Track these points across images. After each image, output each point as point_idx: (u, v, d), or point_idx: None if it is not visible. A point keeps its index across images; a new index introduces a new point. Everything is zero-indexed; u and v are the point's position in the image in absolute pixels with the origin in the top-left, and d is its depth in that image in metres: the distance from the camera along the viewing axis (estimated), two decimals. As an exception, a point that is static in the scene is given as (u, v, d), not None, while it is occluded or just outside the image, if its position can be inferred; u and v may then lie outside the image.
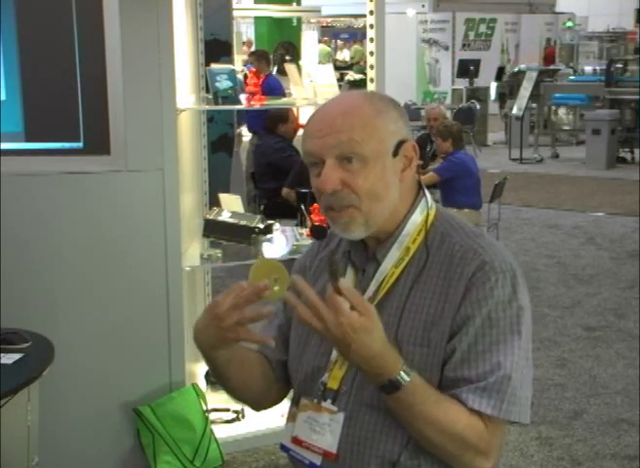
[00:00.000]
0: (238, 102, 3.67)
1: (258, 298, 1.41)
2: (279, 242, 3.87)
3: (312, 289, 1.39)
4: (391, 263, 1.53)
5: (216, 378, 1.62)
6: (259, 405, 1.71)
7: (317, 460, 1.51)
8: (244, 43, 18.09)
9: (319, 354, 1.57)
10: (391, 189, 1.51)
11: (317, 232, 1.85)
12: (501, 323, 1.46)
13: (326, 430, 1.51)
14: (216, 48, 6.31)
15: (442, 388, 1.46)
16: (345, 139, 1.46)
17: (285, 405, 1.70)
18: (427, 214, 1.55)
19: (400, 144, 1.51)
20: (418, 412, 1.42)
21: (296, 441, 1.54)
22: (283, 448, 1.57)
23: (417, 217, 1.55)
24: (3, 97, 3.16)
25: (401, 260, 1.53)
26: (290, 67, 4.15)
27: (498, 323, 1.46)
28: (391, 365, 1.40)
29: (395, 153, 1.50)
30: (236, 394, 1.66)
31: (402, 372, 1.40)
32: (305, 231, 3.90)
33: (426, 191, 1.59)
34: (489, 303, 1.46)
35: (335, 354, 1.53)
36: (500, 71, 15.04)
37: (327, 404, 1.52)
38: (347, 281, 1.56)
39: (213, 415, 3.60)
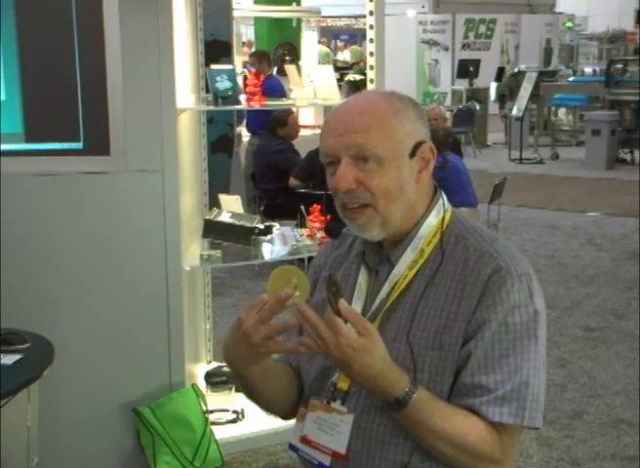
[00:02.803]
0: (238, 103, 3.67)
1: (282, 308, 1.40)
2: (279, 242, 3.87)
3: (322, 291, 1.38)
4: (405, 266, 1.52)
5: (249, 397, 1.61)
6: (291, 414, 1.66)
7: (326, 460, 1.51)
8: (244, 44, 18.08)
9: None
10: (407, 190, 1.49)
11: (332, 231, 1.85)
12: (518, 327, 1.45)
13: (335, 430, 1.50)
14: (216, 48, 6.31)
15: (457, 394, 1.45)
16: (361, 140, 1.45)
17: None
18: (443, 217, 1.54)
19: (418, 145, 1.50)
20: (426, 427, 1.42)
21: (305, 440, 1.54)
22: (292, 447, 1.57)
23: (432, 220, 1.54)
24: (3, 98, 3.16)
25: (415, 263, 1.52)
26: (290, 68, 4.16)
27: (514, 327, 1.45)
28: (395, 383, 1.40)
29: (412, 154, 1.49)
30: (269, 407, 1.66)
31: (407, 390, 1.40)
32: (305, 231, 3.90)
33: (442, 193, 1.58)
34: (505, 308, 1.45)
35: None
36: (500, 72, 15.03)
37: (336, 404, 1.51)
38: (361, 282, 1.57)
39: (213, 416, 3.60)
